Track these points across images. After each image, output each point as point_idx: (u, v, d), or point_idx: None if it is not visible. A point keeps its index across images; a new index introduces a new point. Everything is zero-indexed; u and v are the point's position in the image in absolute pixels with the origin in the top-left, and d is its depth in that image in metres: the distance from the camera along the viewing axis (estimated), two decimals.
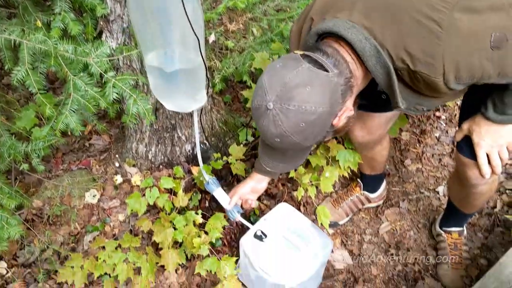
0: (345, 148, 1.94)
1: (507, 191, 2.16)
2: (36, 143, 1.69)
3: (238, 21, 2.23)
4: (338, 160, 1.92)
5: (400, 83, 1.20)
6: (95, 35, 1.70)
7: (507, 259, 1.63)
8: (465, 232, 1.96)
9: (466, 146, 1.48)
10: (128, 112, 1.48)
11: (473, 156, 1.45)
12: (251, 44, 2.24)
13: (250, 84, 2.12)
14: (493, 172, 1.44)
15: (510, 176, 2.23)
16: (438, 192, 2.22)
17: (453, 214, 1.90)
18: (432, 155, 2.38)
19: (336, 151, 1.92)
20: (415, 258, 2.00)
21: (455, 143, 1.58)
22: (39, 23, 1.61)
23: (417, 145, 2.43)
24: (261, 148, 1.57)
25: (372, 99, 1.46)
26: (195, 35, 1.43)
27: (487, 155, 1.41)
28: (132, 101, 1.47)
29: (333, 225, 2.11)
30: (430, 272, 1.95)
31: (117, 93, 1.45)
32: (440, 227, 1.98)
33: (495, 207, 2.12)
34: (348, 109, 1.22)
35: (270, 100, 1.10)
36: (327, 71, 1.11)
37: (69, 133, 1.63)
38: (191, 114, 2.04)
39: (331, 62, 1.13)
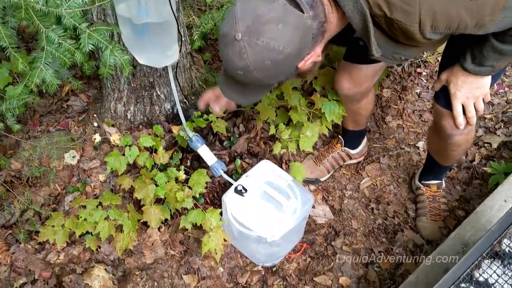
0: (329, 100, 1.92)
1: (485, 145, 2.20)
2: (11, 101, 1.64)
3: None
4: (323, 113, 1.90)
5: (377, 30, 1.18)
6: None
7: (483, 208, 1.67)
8: (443, 185, 1.99)
9: (443, 97, 1.49)
10: (105, 64, 1.44)
11: (449, 106, 1.47)
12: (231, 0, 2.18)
13: None
14: (468, 123, 1.45)
15: (488, 130, 2.26)
16: (418, 147, 2.25)
17: (431, 167, 1.93)
18: (413, 111, 2.39)
19: (321, 103, 1.90)
20: (395, 212, 2.03)
21: (434, 94, 1.59)
22: None
23: (398, 101, 2.43)
24: (222, 75, 1.50)
25: (351, 46, 1.45)
26: None
27: (463, 106, 1.42)
28: (108, 52, 1.42)
29: (314, 181, 2.13)
30: (409, 224, 1.99)
31: (92, 45, 1.40)
32: (419, 181, 2.02)
33: (473, 160, 2.16)
34: (316, 55, 1.20)
35: (239, 31, 1.05)
36: (302, 11, 1.08)
37: (44, 91, 1.59)
38: (168, 71, 2.00)
39: (308, 3, 1.09)
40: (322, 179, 2.15)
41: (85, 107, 2.31)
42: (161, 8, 1.44)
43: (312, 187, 2.12)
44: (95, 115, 2.20)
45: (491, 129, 2.27)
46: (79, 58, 1.45)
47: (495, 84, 2.45)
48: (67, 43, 1.43)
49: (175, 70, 1.98)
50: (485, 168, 2.08)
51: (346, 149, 2.12)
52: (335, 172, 2.19)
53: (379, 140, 2.30)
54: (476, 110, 1.43)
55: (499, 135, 2.23)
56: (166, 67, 1.73)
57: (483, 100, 1.42)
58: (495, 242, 1.33)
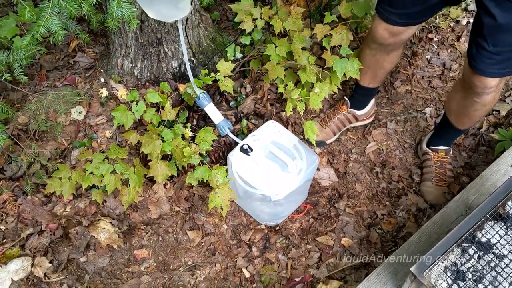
0: (341, 57, 1.90)
1: (494, 112, 2.18)
2: (18, 52, 1.63)
3: None
4: (334, 71, 1.88)
5: None
6: None
7: (488, 173, 1.67)
8: (451, 151, 1.99)
9: (479, 59, 1.46)
10: (112, 15, 1.42)
11: (484, 71, 1.46)
12: None
13: None
14: None
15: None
16: (425, 114, 2.23)
17: (445, 132, 1.92)
18: (422, 77, 2.36)
19: (332, 61, 1.88)
20: (399, 176, 2.04)
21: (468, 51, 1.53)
22: None
23: (408, 67, 2.40)
24: None
25: None
26: None
27: None
28: (115, 4, 1.40)
29: (320, 144, 2.12)
30: (414, 189, 2.00)
31: None
32: (427, 146, 2.01)
33: (481, 127, 2.15)
34: None
35: None
36: None
37: (52, 43, 1.57)
38: (177, 29, 1.98)
39: None
40: (328, 141, 2.14)
41: (92, 63, 2.30)
42: None
43: (318, 150, 2.12)
44: (102, 71, 2.19)
45: (500, 97, 2.24)
46: (86, 9, 1.43)
47: None
48: None
49: (184, 26, 1.95)
50: (492, 135, 2.07)
51: (353, 110, 2.11)
52: (341, 135, 2.18)
53: (386, 105, 2.29)
54: None
55: (508, 103, 2.20)
56: (176, 22, 1.71)
57: None
58: (499, 204, 1.33)
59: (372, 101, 2.12)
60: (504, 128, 2.08)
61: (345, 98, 2.11)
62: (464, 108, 1.71)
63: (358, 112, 2.11)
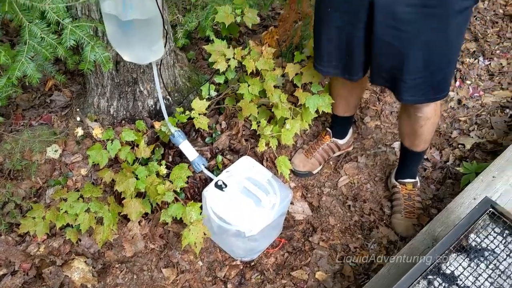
0: (313, 94, 1.98)
1: (459, 146, 2.27)
2: None
3: None
4: (307, 108, 1.96)
5: None
6: None
7: (453, 205, 1.73)
8: (418, 184, 2.06)
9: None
10: (86, 59, 1.47)
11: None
12: None
13: (213, 39, 2.12)
14: None
15: (462, 132, 2.34)
16: (394, 148, 2.31)
17: (406, 159, 2.01)
18: (391, 113, 2.45)
19: (304, 98, 1.96)
20: (371, 209, 2.09)
21: None
22: None
23: (377, 103, 2.50)
24: None
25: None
26: None
27: None
28: (89, 48, 1.45)
29: (307, 174, 2.19)
30: (385, 221, 2.05)
31: (74, 40, 1.43)
32: (396, 179, 2.08)
33: (447, 161, 2.23)
34: None
35: None
36: None
37: (28, 84, 1.60)
38: (152, 68, 2.03)
39: None
40: (314, 172, 2.21)
41: (68, 102, 2.33)
42: (146, 4, 1.47)
43: (292, 184, 2.17)
44: (78, 110, 2.21)
45: (465, 131, 2.34)
46: (61, 53, 1.48)
47: (470, 88, 2.53)
48: (50, 37, 1.45)
49: (159, 66, 2.01)
50: (458, 168, 2.15)
51: (335, 139, 2.20)
52: (325, 163, 2.24)
53: (357, 140, 2.36)
54: None
55: (472, 137, 2.30)
56: (150, 63, 1.76)
57: None
58: (462, 237, 1.39)
59: (351, 130, 2.23)
60: (468, 161, 2.16)
61: (327, 129, 2.19)
62: (411, 127, 1.81)
63: (340, 141, 2.20)
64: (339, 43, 1.64)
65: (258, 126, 2.02)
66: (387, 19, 1.43)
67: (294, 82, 2.06)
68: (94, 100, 2.13)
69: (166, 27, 1.63)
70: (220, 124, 2.29)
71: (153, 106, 2.17)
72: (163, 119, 1.91)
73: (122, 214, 1.79)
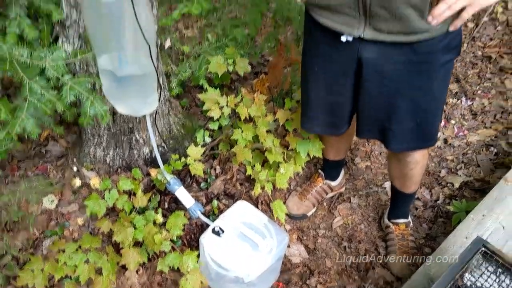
0: (303, 138, 2.04)
1: (448, 185, 2.33)
2: None
3: (193, 27, 2.30)
4: (298, 152, 2.02)
5: None
6: (51, 40, 1.72)
7: (446, 245, 1.77)
8: (411, 223, 2.10)
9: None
10: (85, 114, 1.52)
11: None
12: (207, 49, 2.31)
13: (206, 88, 2.19)
14: (434, 15, 1.28)
15: (450, 171, 2.40)
16: (385, 188, 2.36)
17: (397, 200, 2.05)
18: (380, 153, 2.52)
19: (295, 143, 2.03)
20: (366, 250, 2.12)
21: None
22: None
23: (366, 144, 2.56)
24: None
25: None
26: (146, 41, 1.49)
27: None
28: (89, 103, 1.50)
29: (301, 217, 2.22)
30: (380, 262, 2.07)
31: (74, 96, 1.49)
32: (389, 219, 2.11)
33: (437, 199, 2.28)
34: None
35: None
36: None
37: (26, 137, 1.64)
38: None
39: None
40: (309, 214, 2.24)
41: (64, 152, 2.36)
42: (142, 60, 1.54)
43: (288, 226, 2.20)
44: (74, 160, 2.24)
45: (452, 170, 2.40)
46: (60, 109, 1.53)
47: (455, 128, 2.62)
48: (50, 94, 1.51)
49: (153, 116, 2.07)
50: (448, 207, 2.20)
51: (328, 181, 2.25)
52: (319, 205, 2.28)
53: (349, 181, 2.41)
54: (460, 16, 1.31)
55: (460, 176, 2.36)
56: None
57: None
58: (457, 277, 1.42)
59: (343, 171, 2.29)
60: (458, 200, 2.22)
61: (319, 171, 2.24)
62: (401, 171, 1.87)
63: (333, 183, 2.26)
64: (325, 103, 1.70)
65: (253, 170, 2.06)
66: (375, 76, 1.49)
67: (286, 127, 2.13)
68: (91, 149, 2.16)
69: (160, 79, 1.70)
70: (215, 169, 2.33)
71: (149, 154, 2.21)
72: (159, 166, 1.95)
73: (120, 263, 1.79)
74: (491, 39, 3.17)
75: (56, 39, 1.74)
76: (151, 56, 1.52)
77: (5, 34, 1.58)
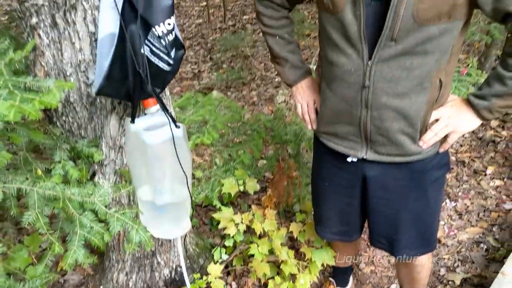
0: (316, 248, 2.21)
1: (450, 282, 2.49)
2: (32, 281, 1.79)
3: (204, 154, 2.56)
4: (314, 262, 2.18)
5: None
6: (88, 177, 1.92)
7: None
8: None
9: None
10: (131, 242, 1.67)
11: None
12: (217, 173, 2.55)
13: (220, 207, 2.38)
14: (425, 140, 1.56)
15: (449, 269, 2.58)
16: None
17: None
18: (382, 257, 2.69)
19: (310, 253, 2.20)
20: None
21: None
22: (39, 172, 1.81)
23: (367, 249, 2.74)
24: None
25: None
26: (184, 173, 1.71)
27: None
28: (134, 232, 1.67)
29: None
30: None
31: (120, 226, 1.65)
32: None
33: None
34: None
35: None
36: None
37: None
38: (168, 240, 2.24)
39: None
40: None
41: (82, 280, 2.43)
42: (179, 189, 1.75)
43: None
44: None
45: (451, 268, 2.58)
46: (107, 239, 1.68)
47: (445, 228, 2.86)
48: (98, 226, 1.67)
49: (183, 237, 2.23)
50: None
51: None
52: None
53: (357, 286, 2.54)
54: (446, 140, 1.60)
55: (458, 273, 2.54)
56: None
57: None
58: None
59: (351, 277, 2.45)
60: None
61: (330, 279, 2.38)
62: (410, 275, 2.03)
63: None
64: (337, 213, 1.90)
65: (273, 283, 2.19)
66: (378, 191, 1.72)
67: (298, 239, 2.31)
68: (114, 275, 2.26)
69: (192, 205, 1.89)
70: (230, 285, 2.43)
71: (169, 275, 2.32)
72: (178, 286, 2.06)
73: None
74: (461, 146, 3.57)
75: (92, 176, 1.94)
76: (187, 186, 1.74)
77: (50, 176, 1.78)
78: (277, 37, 1.77)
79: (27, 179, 1.68)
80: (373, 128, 1.55)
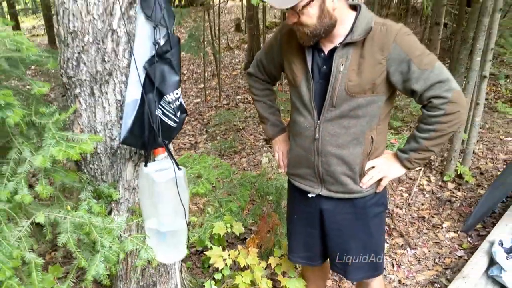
0: (290, 278, 2.65)
1: None
2: None
3: (198, 203, 3.07)
4: None
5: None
6: (106, 213, 2.42)
7: None
8: None
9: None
10: (141, 258, 2.14)
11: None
12: (208, 219, 3.04)
13: (211, 246, 2.85)
14: (363, 182, 2.07)
15: None
16: None
17: None
18: (351, 286, 3.12)
19: (285, 282, 2.63)
20: None
21: None
22: (69, 207, 2.32)
23: (335, 276, 3.17)
24: None
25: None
26: (183, 206, 2.22)
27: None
28: (143, 251, 2.14)
29: None
30: None
31: (132, 246, 2.13)
32: None
33: None
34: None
35: None
36: None
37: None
38: (167, 271, 2.68)
39: None
40: None
41: None
42: (178, 219, 2.24)
43: None
44: None
45: None
46: (122, 257, 2.15)
47: (405, 271, 3.30)
48: (115, 246, 2.15)
49: (180, 264, 2.67)
50: None
51: None
52: None
53: None
54: (380, 183, 2.10)
55: None
56: (172, 265, 2.43)
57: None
58: None
59: None
60: None
61: None
62: None
63: None
64: (303, 239, 2.36)
65: None
66: (332, 223, 2.20)
67: (275, 271, 2.76)
68: None
69: (189, 235, 2.37)
70: None
71: None
72: None
73: None
74: (422, 204, 4.09)
75: (109, 212, 2.44)
76: (185, 217, 2.24)
77: (77, 210, 2.27)
78: (261, 102, 2.38)
79: (60, 211, 2.19)
80: (323, 170, 2.08)
